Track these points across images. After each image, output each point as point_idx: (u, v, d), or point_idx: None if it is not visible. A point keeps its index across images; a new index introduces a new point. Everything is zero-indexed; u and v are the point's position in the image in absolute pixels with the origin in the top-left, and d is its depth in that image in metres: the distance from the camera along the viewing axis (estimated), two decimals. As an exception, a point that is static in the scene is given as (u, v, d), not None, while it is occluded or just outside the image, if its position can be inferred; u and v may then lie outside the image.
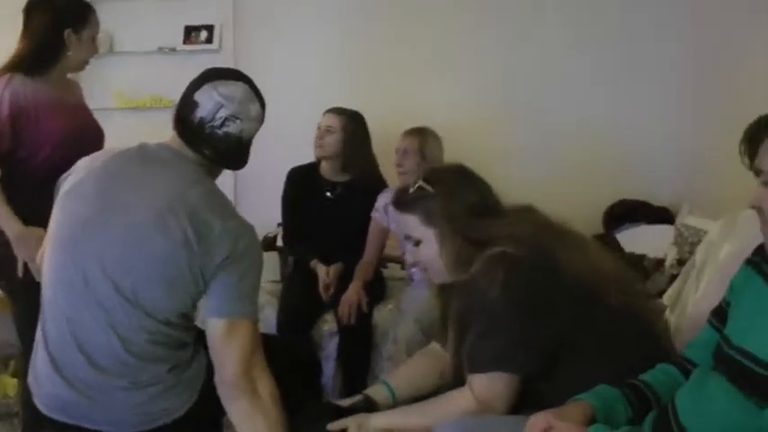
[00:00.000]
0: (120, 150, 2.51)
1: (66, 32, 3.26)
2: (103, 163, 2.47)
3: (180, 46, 5.62)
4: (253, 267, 2.42)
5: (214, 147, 2.42)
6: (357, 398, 2.62)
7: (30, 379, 2.49)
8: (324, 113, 4.57)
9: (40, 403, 2.43)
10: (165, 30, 5.61)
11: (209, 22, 5.65)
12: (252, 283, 2.42)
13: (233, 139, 2.43)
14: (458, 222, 2.38)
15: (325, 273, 4.34)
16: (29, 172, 3.18)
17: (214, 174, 2.54)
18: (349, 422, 2.44)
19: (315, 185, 4.59)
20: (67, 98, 3.40)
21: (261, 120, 2.51)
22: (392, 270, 4.92)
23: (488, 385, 2.26)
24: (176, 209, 2.31)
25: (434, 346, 2.74)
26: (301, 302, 4.28)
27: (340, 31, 5.56)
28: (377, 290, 4.41)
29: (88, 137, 3.29)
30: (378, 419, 2.41)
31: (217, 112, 2.39)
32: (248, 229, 2.44)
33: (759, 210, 1.79)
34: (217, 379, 2.39)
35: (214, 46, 5.60)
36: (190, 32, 5.68)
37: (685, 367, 2.07)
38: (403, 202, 2.48)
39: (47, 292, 2.44)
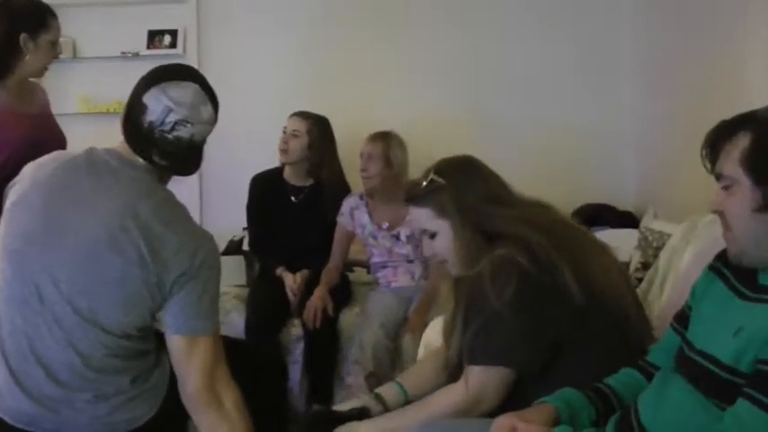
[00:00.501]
0: (66, 158, 2.43)
1: (23, 37, 3.21)
2: (51, 172, 2.38)
3: (143, 51, 5.59)
4: (211, 281, 2.37)
5: (164, 151, 2.33)
6: (364, 399, 2.58)
7: None
8: (289, 117, 4.56)
9: (4, 415, 2.37)
10: (128, 34, 5.57)
11: (172, 27, 5.62)
12: (211, 297, 2.38)
13: (184, 144, 2.33)
14: (469, 213, 2.38)
15: (292, 281, 4.35)
16: None
17: (165, 179, 2.46)
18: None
19: (279, 191, 4.59)
20: (26, 106, 3.36)
21: (213, 122, 2.41)
22: (358, 274, 4.93)
23: (484, 378, 2.27)
24: (128, 226, 2.25)
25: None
26: (268, 307, 4.28)
27: (304, 35, 5.57)
28: (343, 294, 4.43)
29: (47, 146, 3.02)
30: (366, 427, 2.39)
31: (166, 116, 2.29)
32: (204, 240, 2.39)
33: (720, 214, 1.80)
34: (181, 393, 2.37)
35: (178, 50, 5.58)
36: (153, 37, 5.64)
37: (648, 371, 2.09)
38: (415, 196, 2.48)
39: (2, 306, 2.38)
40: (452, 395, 2.32)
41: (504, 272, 2.23)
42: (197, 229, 2.42)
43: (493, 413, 2.14)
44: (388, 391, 2.58)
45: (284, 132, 4.52)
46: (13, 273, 2.33)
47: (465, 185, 2.42)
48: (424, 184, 2.45)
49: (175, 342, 2.34)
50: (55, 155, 2.48)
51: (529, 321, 2.22)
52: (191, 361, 2.33)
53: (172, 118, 2.29)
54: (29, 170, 2.45)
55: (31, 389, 2.32)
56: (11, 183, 2.47)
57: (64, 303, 2.27)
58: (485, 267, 2.27)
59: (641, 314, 2.44)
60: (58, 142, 3.36)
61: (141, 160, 2.35)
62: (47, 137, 3.32)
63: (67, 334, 2.29)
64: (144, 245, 2.24)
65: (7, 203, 2.41)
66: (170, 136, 2.31)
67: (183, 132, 2.31)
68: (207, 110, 2.36)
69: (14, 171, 2.69)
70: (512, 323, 2.21)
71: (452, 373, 2.39)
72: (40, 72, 3.37)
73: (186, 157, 2.38)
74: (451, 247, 2.42)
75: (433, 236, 2.46)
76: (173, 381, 2.42)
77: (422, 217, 2.47)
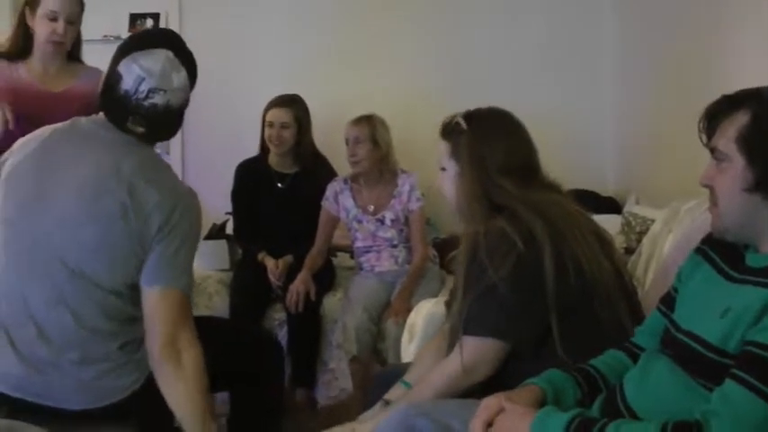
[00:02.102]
0: (52, 129, 2.53)
1: (27, 12, 3.35)
2: (40, 143, 2.49)
3: (125, 34, 5.53)
4: (189, 238, 2.47)
5: (140, 118, 2.42)
6: (377, 406, 2.57)
7: None
8: (271, 109, 4.55)
9: None
10: (110, 18, 5.52)
11: (154, 10, 5.59)
12: (187, 254, 2.47)
13: (160, 110, 2.43)
14: (479, 170, 2.39)
15: (273, 265, 4.35)
16: None
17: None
18: (338, 431, 2.44)
19: (265, 178, 4.61)
20: (43, 85, 3.46)
21: (188, 86, 2.52)
22: (341, 259, 4.93)
23: (479, 350, 2.27)
24: (112, 181, 2.36)
25: (445, 325, 2.69)
26: (252, 291, 4.29)
27: (286, 20, 5.55)
28: (326, 279, 4.44)
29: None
30: (367, 426, 2.37)
31: (139, 85, 2.39)
32: (185, 196, 2.49)
33: (709, 188, 1.81)
34: (146, 346, 2.43)
35: (160, 34, 5.53)
36: (135, 20, 5.62)
37: (633, 352, 2.09)
38: (443, 127, 2.50)
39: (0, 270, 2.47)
40: (446, 370, 2.33)
41: (501, 247, 2.24)
42: (179, 186, 2.53)
43: (486, 388, 2.15)
44: (395, 392, 2.56)
45: (271, 126, 4.52)
46: (8, 238, 2.44)
47: (485, 139, 2.42)
48: (454, 121, 2.47)
49: (148, 295, 2.41)
50: (42, 129, 2.56)
51: (524, 297, 2.23)
52: (158, 314, 2.40)
53: (144, 86, 2.39)
54: (19, 144, 2.56)
55: (23, 349, 2.39)
56: (2, 157, 2.58)
57: (55, 260, 2.37)
58: (481, 240, 2.28)
59: (632, 301, 2.41)
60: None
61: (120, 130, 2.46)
62: (51, 118, 3.31)
63: (59, 290, 2.37)
64: (128, 198, 2.34)
65: (2, 177, 2.51)
66: (145, 103, 2.41)
67: (158, 100, 2.41)
68: (179, 76, 2.46)
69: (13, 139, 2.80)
70: (508, 297, 2.22)
71: (452, 342, 2.38)
72: (45, 47, 3.43)
73: (163, 122, 2.48)
74: (454, 191, 2.44)
75: (443, 169, 2.49)
76: None
77: (440, 148, 2.49)
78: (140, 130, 2.44)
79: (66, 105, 3.45)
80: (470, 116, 2.46)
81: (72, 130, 2.51)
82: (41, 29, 3.37)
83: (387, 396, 2.55)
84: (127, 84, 2.40)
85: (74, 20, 3.44)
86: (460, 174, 2.42)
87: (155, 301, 2.40)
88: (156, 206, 2.37)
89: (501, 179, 2.37)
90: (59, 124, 2.55)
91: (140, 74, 2.39)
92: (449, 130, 2.47)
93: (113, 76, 2.43)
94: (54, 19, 3.36)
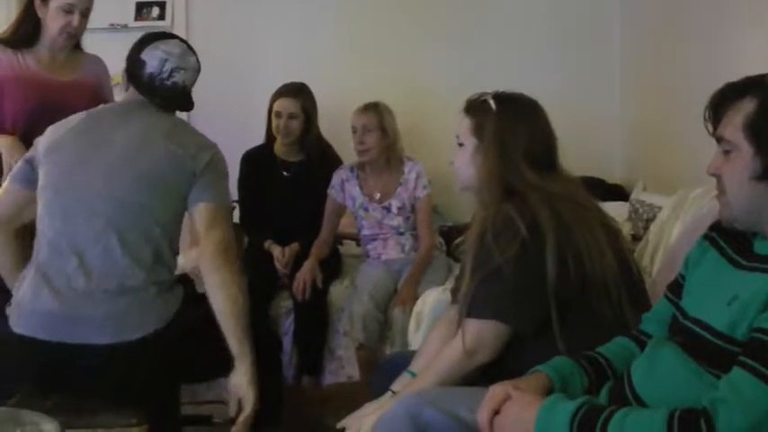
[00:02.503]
0: (88, 111, 2.86)
1: (37, 2, 3.35)
2: (79, 120, 2.80)
3: (131, 23, 5.55)
4: (225, 174, 2.84)
5: (164, 96, 2.80)
6: (384, 396, 2.56)
7: (8, 310, 2.69)
8: (278, 99, 4.54)
9: (16, 327, 2.62)
10: (116, 6, 5.51)
11: (160, -1, 5.59)
12: (226, 186, 2.85)
13: (179, 88, 2.82)
14: (500, 153, 2.39)
15: (279, 253, 4.35)
16: None
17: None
18: (349, 422, 2.46)
19: (271, 167, 4.60)
20: (50, 74, 3.48)
21: (198, 69, 2.90)
22: (348, 247, 4.94)
23: (480, 332, 2.28)
24: (153, 135, 2.72)
25: (448, 312, 2.69)
26: (259, 280, 4.28)
27: (291, 8, 5.54)
28: (332, 267, 4.44)
29: (60, 116, 3.01)
30: (371, 418, 2.35)
31: (163, 65, 2.78)
32: (217, 147, 2.83)
33: (717, 177, 1.80)
34: (200, 255, 2.71)
35: (166, 22, 5.54)
36: (141, 8, 5.62)
37: (641, 340, 2.09)
38: (469, 104, 2.51)
39: (41, 238, 2.69)
40: (448, 355, 2.34)
41: (506, 232, 2.25)
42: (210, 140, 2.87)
43: (491, 377, 2.15)
44: (401, 382, 2.56)
45: (278, 116, 4.50)
46: (57, 197, 2.69)
47: (511, 125, 2.42)
48: (482, 99, 2.47)
49: (200, 211, 2.73)
50: (70, 117, 2.86)
51: (527, 281, 2.24)
52: (212, 230, 2.71)
53: (168, 66, 2.78)
54: (51, 130, 2.83)
55: (59, 283, 2.62)
56: (36, 140, 2.84)
57: (103, 198, 2.64)
58: (489, 225, 2.29)
59: (636, 291, 2.40)
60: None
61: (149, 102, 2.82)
62: (65, 108, 3.24)
63: (108, 220, 2.63)
64: (171, 144, 2.71)
65: (40, 157, 2.76)
66: (168, 83, 2.79)
67: (178, 78, 2.80)
68: (192, 59, 2.87)
69: (29, 128, 3.10)
70: (510, 281, 2.23)
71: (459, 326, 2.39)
72: (56, 39, 3.45)
73: (180, 100, 2.87)
74: (470, 168, 2.45)
75: (460, 145, 2.49)
76: (182, 309, 2.71)
77: (462, 124, 2.50)
78: (165, 104, 2.82)
79: (76, 94, 3.50)
80: (499, 97, 2.47)
81: (105, 109, 2.92)
82: (55, 21, 3.38)
83: (393, 387, 2.55)
84: (151, 67, 2.78)
85: (87, 12, 3.48)
86: (480, 152, 2.43)
87: (209, 219, 2.71)
88: (200, 148, 2.75)
89: (520, 164, 2.38)
90: (93, 109, 2.89)
91: (163, 56, 2.78)
92: (474, 107, 2.48)
93: (137, 64, 2.80)
94: (70, 12, 3.38)
